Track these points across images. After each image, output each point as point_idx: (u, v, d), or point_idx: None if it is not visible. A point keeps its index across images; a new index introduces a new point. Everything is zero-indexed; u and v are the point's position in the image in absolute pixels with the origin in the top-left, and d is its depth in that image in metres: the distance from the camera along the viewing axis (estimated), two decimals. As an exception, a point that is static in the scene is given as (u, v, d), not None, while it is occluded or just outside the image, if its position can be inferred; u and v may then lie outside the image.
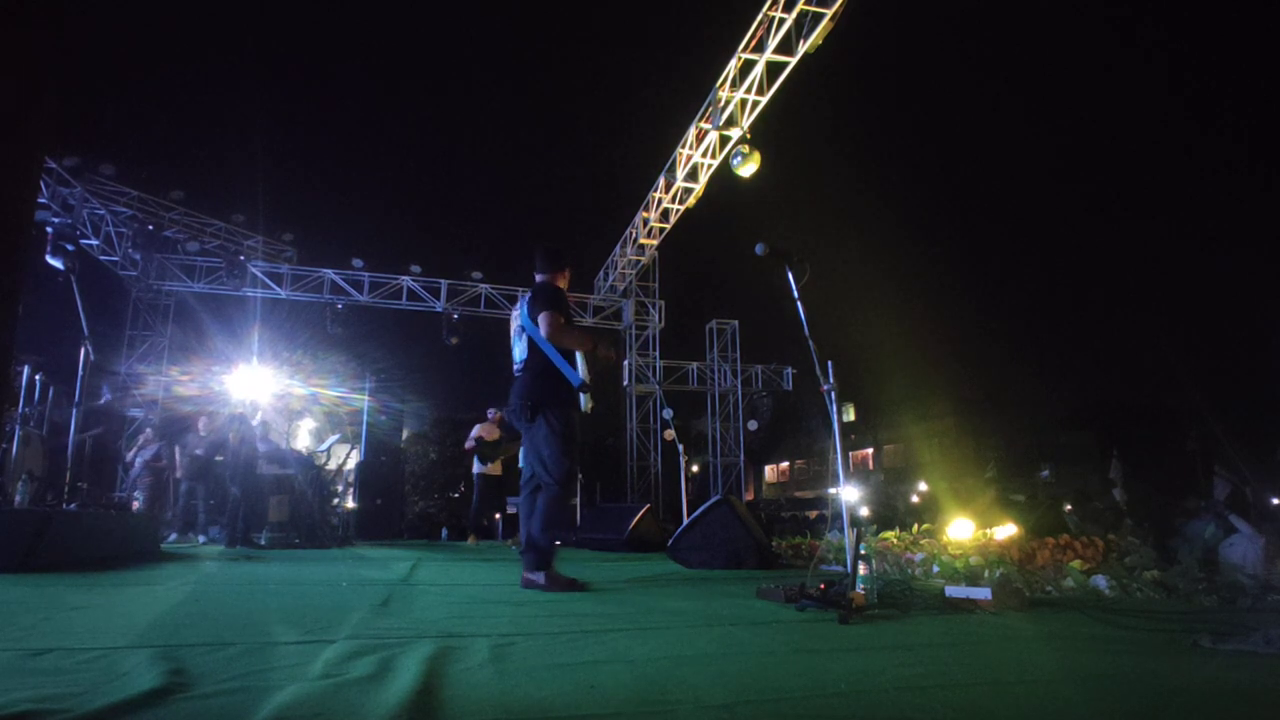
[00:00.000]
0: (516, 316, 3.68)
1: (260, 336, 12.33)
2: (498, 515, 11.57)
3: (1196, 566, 3.44)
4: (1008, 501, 5.33)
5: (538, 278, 3.74)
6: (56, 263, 10.74)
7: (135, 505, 9.35)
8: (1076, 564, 3.67)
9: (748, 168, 8.96)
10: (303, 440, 10.94)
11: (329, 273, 13.80)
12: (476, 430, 9.18)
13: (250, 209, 13.61)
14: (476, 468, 9.13)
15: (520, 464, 9.66)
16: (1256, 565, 3.42)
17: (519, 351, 3.62)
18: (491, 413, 9.25)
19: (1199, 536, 3.80)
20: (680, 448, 8.75)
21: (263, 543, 7.32)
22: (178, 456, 9.30)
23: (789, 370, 17.31)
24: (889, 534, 4.84)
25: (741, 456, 16.33)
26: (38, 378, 6.79)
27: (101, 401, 5.46)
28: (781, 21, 8.30)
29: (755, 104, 9.15)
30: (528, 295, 3.67)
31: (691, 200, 11.67)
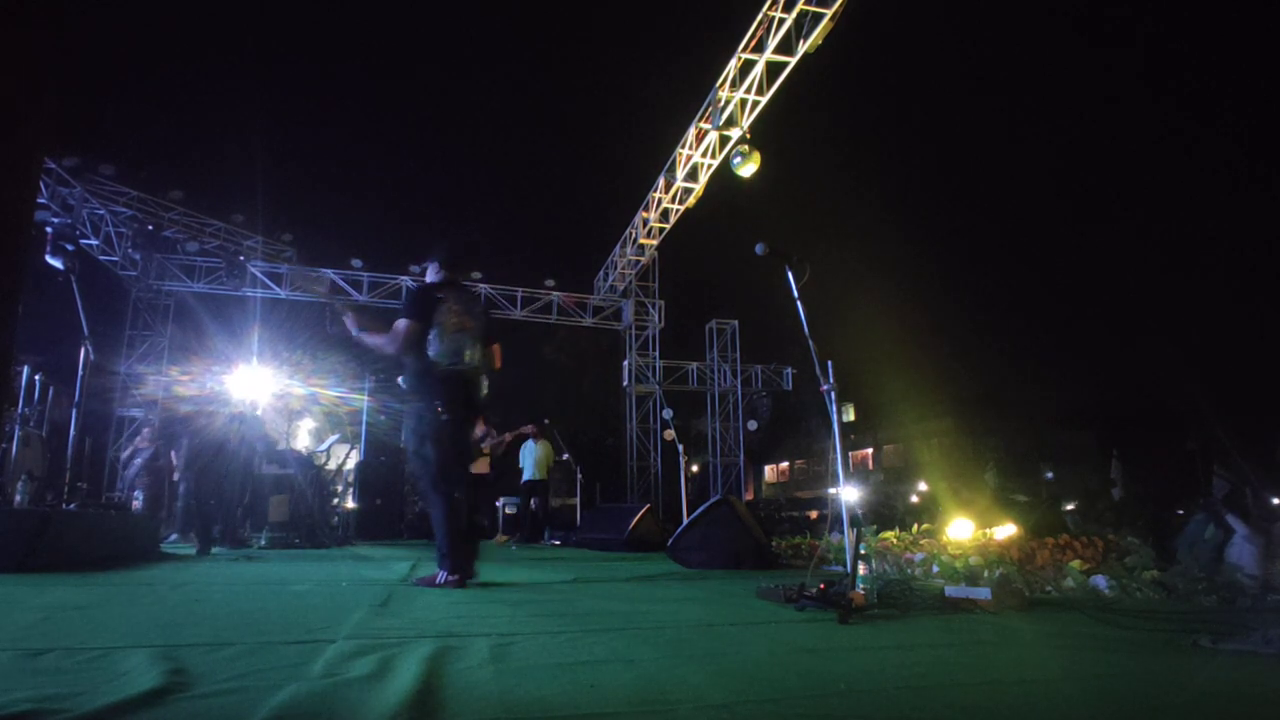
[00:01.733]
0: (460, 311, 3.68)
1: (260, 336, 12.33)
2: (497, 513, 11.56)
3: (1196, 566, 3.44)
4: (1007, 501, 5.33)
5: (442, 276, 3.82)
6: (56, 263, 10.71)
7: (135, 505, 9.36)
8: (1076, 564, 3.67)
9: (748, 168, 8.96)
10: (303, 440, 10.95)
11: (329, 272, 13.80)
12: None
13: (250, 209, 13.61)
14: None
15: (520, 464, 9.62)
16: (1255, 565, 3.42)
17: (470, 355, 3.68)
18: None
19: (1198, 536, 3.80)
20: (680, 448, 8.75)
21: (262, 543, 7.32)
22: (174, 458, 9.31)
23: (789, 370, 17.29)
24: (889, 534, 4.84)
25: (741, 456, 16.33)
26: (37, 378, 6.79)
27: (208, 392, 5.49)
28: (781, 21, 8.30)
29: (755, 104, 9.15)
30: (477, 305, 3.85)
31: (691, 200, 11.67)
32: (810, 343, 3.00)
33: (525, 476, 9.27)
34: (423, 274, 3.95)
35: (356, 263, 13.99)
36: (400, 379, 3.82)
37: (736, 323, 16.44)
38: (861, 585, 2.62)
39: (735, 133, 9.40)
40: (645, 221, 13.10)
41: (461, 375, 3.64)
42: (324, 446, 9.82)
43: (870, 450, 34.26)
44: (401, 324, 3.59)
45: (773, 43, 8.48)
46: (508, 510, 10.95)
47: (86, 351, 5.09)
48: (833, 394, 2.95)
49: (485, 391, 3.87)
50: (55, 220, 11.13)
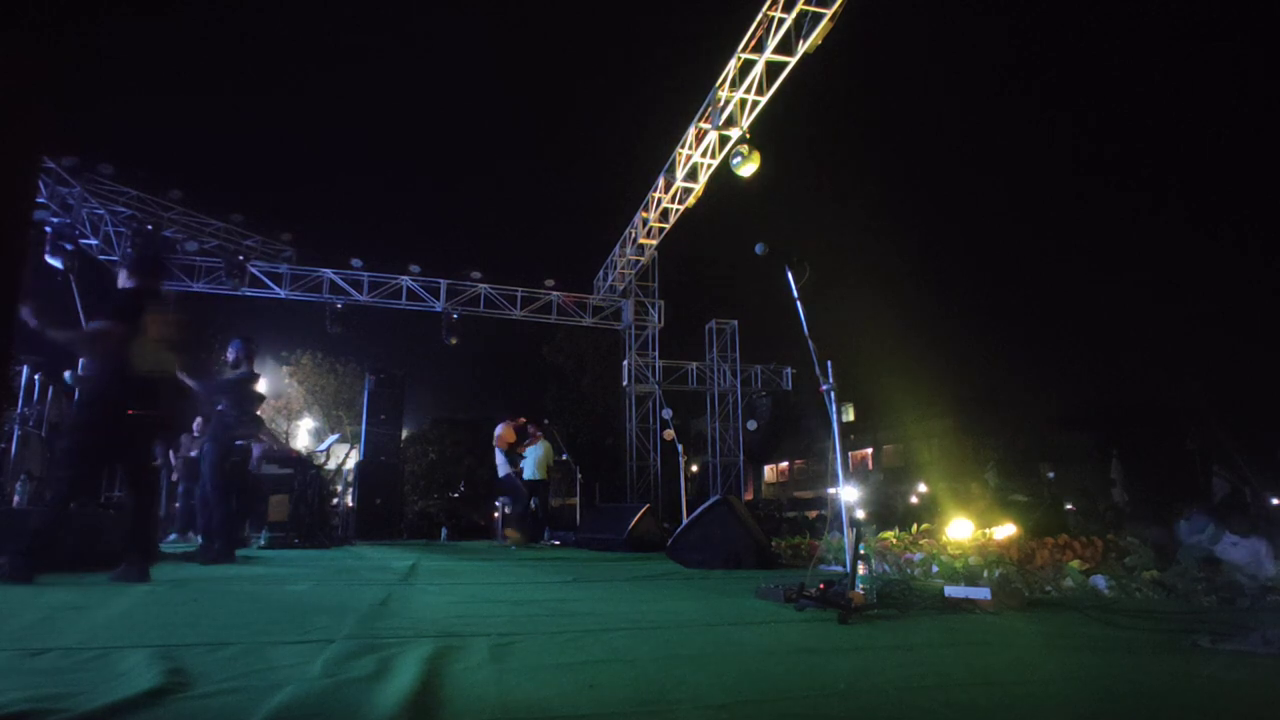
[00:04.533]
0: (161, 321, 3.69)
1: (260, 336, 12.30)
2: (495, 513, 11.55)
3: (1195, 566, 3.44)
4: (1006, 501, 5.32)
5: (136, 282, 3.74)
6: (56, 262, 10.73)
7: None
8: (1075, 564, 3.67)
9: (747, 168, 8.95)
10: (303, 440, 10.94)
11: (328, 272, 13.78)
12: (500, 430, 9.00)
13: (249, 209, 13.58)
14: (506, 469, 8.94)
15: (520, 464, 9.44)
16: (1255, 566, 3.42)
17: (164, 362, 3.73)
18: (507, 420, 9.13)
19: (1194, 536, 3.80)
20: (679, 448, 8.74)
21: (262, 543, 7.34)
22: (172, 458, 9.32)
23: (788, 370, 17.28)
24: (888, 534, 4.84)
25: (741, 456, 16.32)
26: (37, 377, 6.78)
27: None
28: (781, 21, 8.29)
29: (755, 104, 9.15)
30: (172, 313, 3.80)
31: (691, 200, 11.66)
32: (810, 343, 3.00)
33: (525, 476, 9.26)
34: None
35: (356, 262, 13.97)
36: (68, 374, 3.75)
37: (736, 323, 16.43)
38: (861, 585, 2.62)
39: (735, 133, 9.39)
40: (645, 221, 13.10)
41: (155, 382, 3.64)
42: (324, 446, 9.82)
43: (870, 450, 34.24)
44: (103, 326, 3.47)
45: (772, 43, 8.47)
46: (508, 510, 10.94)
47: (86, 351, 5.08)
48: (833, 394, 2.95)
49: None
50: (54, 220, 11.12)
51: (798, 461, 37.43)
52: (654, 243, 13.55)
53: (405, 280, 14.16)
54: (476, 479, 25.50)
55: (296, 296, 13.64)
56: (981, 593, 2.82)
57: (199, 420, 8.74)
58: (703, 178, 10.97)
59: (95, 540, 4.50)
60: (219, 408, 5.44)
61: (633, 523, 7.16)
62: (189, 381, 5.71)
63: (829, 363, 2.96)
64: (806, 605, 2.61)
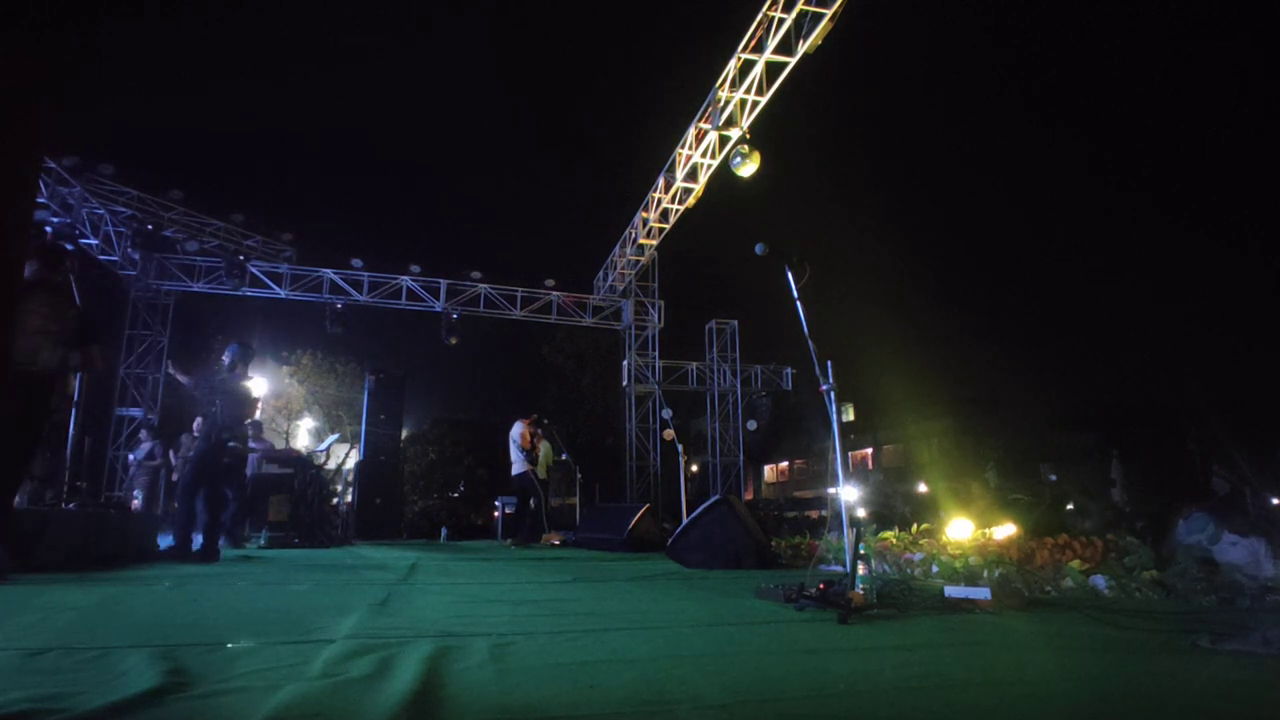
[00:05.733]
0: (46, 314, 3.58)
1: (260, 336, 12.28)
2: (495, 513, 11.53)
3: (1195, 566, 3.44)
4: (1007, 501, 5.32)
5: (30, 273, 3.61)
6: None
7: (134, 504, 9.37)
8: (1075, 564, 3.67)
9: (747, 168, 8.95)
10: (302, 440, 10.92)
11: (328, 272, 13.78)
12: (521, 429, 8.89)
13: (249, 209, 13.57)
14: (523, 466, 8.85)
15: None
16: (1256, 566, 3.42)
17: (48, 357, 3.59)
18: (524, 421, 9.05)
19: (1194, 536, 3.80)
20: (679, 448, 8.74)
21: (262, 543, 7.34)
22: (173, 458, 9.34)
23: (788, 370, 17.28)
24: (888, 534, 4.84)
25: (741, 456, 16.32)
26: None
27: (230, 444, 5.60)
28: (781, 21, 8.29)
29: (755, 104, 9.15)
30: (70, 307, 3.68)
31: (691, 200, 11.66)
32: (810, 343, 3.00)
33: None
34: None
35: (356, 262, 13.97)
36: None
37: (736, 323, 16.42)
38: (861, 585, 2.62)
39: (735, 133, 9.39)
40: (645, 221, 13.09)
41: (32, 376, 3.49)
42: (324, 446, 9.81)
43: (870, 450, 34.24)
44: None
45: (772, 43, 8.47)
46: (508, 510, 10.93)
47: (86, 351, 5.08)
48: (832, 394, 2.95)
49: (72, 391, 3.76)
50: (54, 220, 11.12)
51: (798, 461, 37.42)
52: (654, 243, 13.54)
53: (405, 280, 14.16)
54: (476, 479, 25.52)
55: (296, 296, 13.64)
56: (981, 593, 2.83)
57: (199, 420, 8.76)
58: (703, 178, 10.97)
59: (95, 540, 4.50)
60: (212, 408, 5.46)
61: (633, 523, 7.16)
62: (181, 378, 5.68)
63: (829, 363, 2.96)
64: (806, 605, 2.61)
